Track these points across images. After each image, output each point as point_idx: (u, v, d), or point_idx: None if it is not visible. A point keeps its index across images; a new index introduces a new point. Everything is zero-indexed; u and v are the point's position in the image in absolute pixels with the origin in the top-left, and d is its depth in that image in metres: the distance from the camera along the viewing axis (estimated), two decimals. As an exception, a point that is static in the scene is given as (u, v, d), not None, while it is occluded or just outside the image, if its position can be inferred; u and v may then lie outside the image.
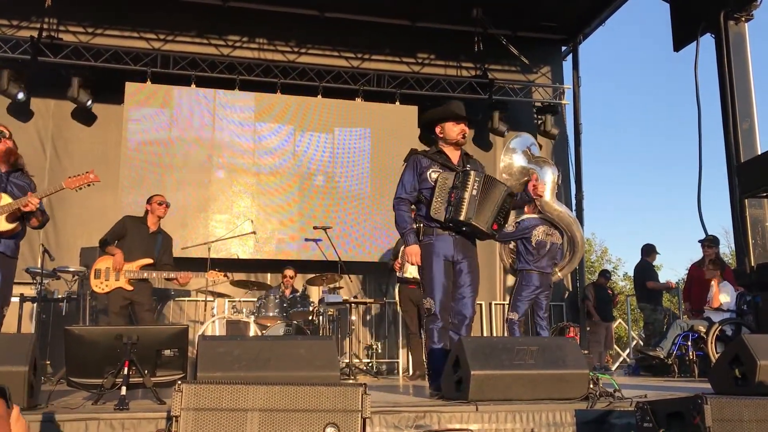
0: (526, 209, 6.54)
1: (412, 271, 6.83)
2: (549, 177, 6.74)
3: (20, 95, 8.63)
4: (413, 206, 4.54)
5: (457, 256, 4.38)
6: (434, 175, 4.38)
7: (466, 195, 4.25)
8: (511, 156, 6.79)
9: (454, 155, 4.53)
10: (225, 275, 6.52)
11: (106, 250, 5.97)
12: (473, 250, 4.51)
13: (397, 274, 7.43)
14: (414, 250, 4.33)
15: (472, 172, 4.33)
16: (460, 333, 4.28)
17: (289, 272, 7.85)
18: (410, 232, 4.37)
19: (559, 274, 6.73)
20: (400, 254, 6.52)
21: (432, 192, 4.34)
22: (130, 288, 5.87)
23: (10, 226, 4.51)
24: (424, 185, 4.41)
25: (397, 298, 7.63)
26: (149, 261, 5.96)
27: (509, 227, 6.26)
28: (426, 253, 4.35)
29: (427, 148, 4.75)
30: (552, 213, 6.71)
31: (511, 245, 6.81)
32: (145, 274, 5.94)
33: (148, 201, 6.28)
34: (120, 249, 5.94)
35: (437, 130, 4.57)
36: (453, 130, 4.50)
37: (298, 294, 7.59)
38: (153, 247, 6.06)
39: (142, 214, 6.28)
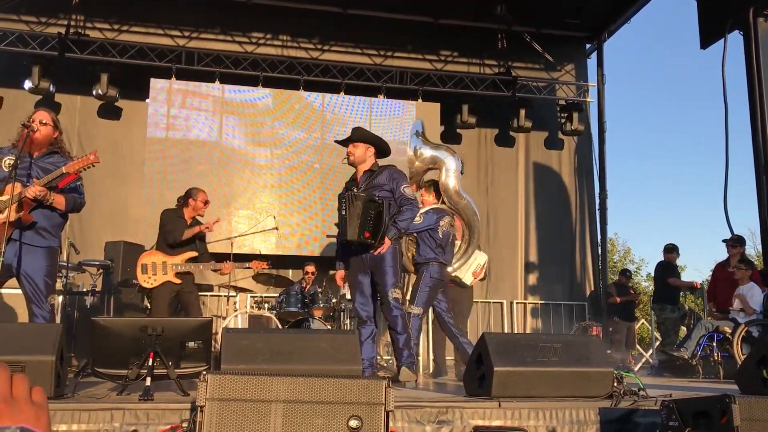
0: (430, 199, 6.19)
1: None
2: (453, 165, 6.38)
3: (48, 90, 8.75)
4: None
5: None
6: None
7: (340, 218, 4.81)
8: (412, 146, 6.53)
9: (359, 175, 5.01)
10: (267, 264, 6.56)
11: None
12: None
13: None
14: (338, 276, 5.22)
15: (339, 198, 4.83)
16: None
17: (310, 268, 7.89)
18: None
19: (452, 267, 6.28)
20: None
21: None
22: (178, 281, 5.82)
23: (24, 216, 4.28)
24: None
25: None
26: (194, 254, 5.93)
27: (417, 219, 5.71)
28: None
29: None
30: (458, 204, 6.39)
31: (410, 237, 6.17)
32: (192, 267, 5.89)
33: (192, 196, 6.07)
34: (163, 242, 5.91)
35: None
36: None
37: (320, 290, 7.61)
38: (194, 239, 6.00)
39: (174, 206, 6.20)
